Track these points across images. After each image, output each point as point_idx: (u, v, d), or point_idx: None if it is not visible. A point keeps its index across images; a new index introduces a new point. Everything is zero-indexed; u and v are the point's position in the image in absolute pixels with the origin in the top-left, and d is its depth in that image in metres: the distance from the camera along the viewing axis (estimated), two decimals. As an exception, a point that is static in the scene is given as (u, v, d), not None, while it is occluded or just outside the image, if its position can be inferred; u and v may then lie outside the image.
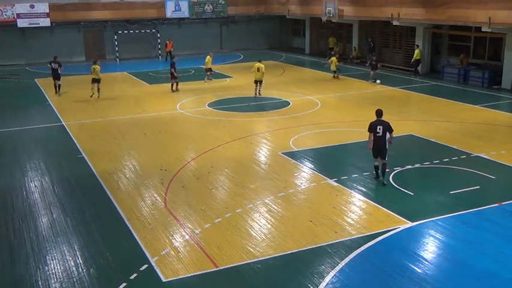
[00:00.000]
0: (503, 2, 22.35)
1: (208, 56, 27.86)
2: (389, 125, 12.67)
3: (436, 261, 9.13)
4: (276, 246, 9.69)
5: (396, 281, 8.45)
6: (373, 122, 12.74)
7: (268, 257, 9.30)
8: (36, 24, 35.46)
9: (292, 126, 18.38)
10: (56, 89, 25.30)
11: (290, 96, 23.56)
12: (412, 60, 28.64)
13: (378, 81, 26.74)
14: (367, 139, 12.82)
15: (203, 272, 8.87)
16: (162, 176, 13.59)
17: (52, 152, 16.21)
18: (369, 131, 12.73)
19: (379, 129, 12.57)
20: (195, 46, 39.86)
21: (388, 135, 12.60)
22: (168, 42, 37.91)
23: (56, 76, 25.01)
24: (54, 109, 22.08)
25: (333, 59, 28.72)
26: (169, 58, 37.55)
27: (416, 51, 28.24)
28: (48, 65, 25.37)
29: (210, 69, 28.06)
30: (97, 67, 23.74)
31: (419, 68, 28.84)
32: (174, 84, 25.45)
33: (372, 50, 32.79)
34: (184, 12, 39.38)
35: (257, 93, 24.16)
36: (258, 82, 24.19)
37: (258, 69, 23.82)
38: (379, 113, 12.83)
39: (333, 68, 28.61)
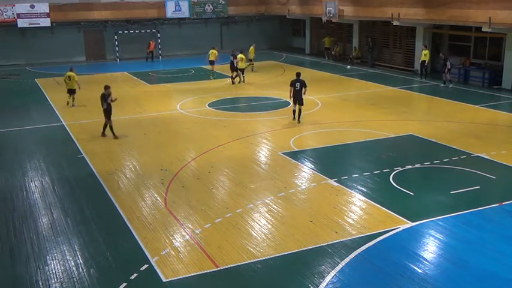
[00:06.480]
0: (504, 2, 22.36)
1: (251, 47, 31.18)
2: (305, 82, 18.08)
3: (436, 261, 9.12)
4: (276, 246, 9.69)
5: (396, 281, 8.45)
6: (294, 80, 18.05)
7: (269, 257, 9.30)
8: (36, 24, 35.47)
9: (293, 126, 18.38)
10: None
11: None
12: (420, 61, 27.82)
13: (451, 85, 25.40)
14: (289, 92, 18.28)
15: (203, 272, 8.86)
16: (163, 176, 13.60)
17: (52, 152, 16.21)
18: (290, 85, 18.11)
19: (297, 85, 17.94)
20: (195, 46, 39.85)
21: (303, 89, 17.98)
22: (150, 42, 37.90)
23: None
24: (55, 109, 22.08)
25: None
26: (151, 59, 37.29)
27: (425, 52, 27.39)
28: None
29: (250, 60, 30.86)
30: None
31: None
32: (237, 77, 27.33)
33: (372, 49, 32.82)
34: (185, 13, 39.38)
35: (233, 82, 27.04)
36: (241, 71, 27.07)
37: (242, 59, 26.81)
38: (298, 74, 18.29)
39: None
